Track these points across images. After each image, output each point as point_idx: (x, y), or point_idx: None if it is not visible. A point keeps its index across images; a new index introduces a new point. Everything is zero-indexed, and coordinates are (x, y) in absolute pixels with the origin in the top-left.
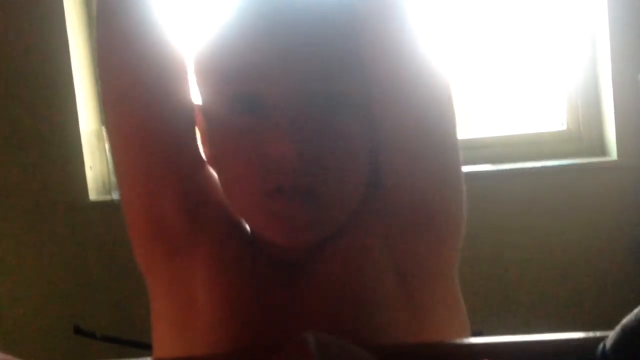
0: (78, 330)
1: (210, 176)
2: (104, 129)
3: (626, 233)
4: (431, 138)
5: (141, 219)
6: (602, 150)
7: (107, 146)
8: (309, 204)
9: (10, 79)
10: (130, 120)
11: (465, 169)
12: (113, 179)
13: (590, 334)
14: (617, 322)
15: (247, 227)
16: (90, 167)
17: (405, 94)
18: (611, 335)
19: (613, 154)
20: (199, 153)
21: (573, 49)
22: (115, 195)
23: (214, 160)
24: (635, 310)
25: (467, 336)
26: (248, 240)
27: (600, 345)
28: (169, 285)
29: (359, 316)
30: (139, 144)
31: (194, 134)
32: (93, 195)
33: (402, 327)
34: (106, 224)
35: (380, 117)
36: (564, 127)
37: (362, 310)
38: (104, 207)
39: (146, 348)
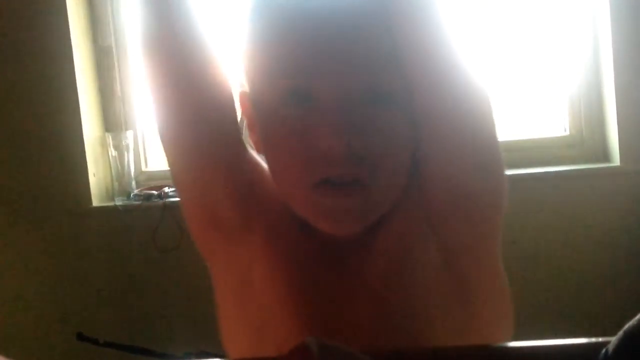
0: (81, 337)
1: (256, 163)
2: (107, 135)
3: (629, 239)
4: (468, 121)
5: (197, 210)
6: (605, 155)
7: (110, 152)
8: (355, 196)
9: (13, 86)
10: (177, 118)
11: None
12: (116, 185)
13: (593, 339)
14: (620, 327)
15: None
16: (94, 174)
17: (442, 85)
18: (613, 340)
19: (616, 159)
20: (242, 141)
21: (575, 54)
22: (118, 202)
23: (262, 148)
24: (638, 316)
25: (511, 325)
26: (298, 225)
27: (603, 351)
28: (226, 270)
29: (409, 303)
30: (187, 140)
31: (237, 123)
32: (96, 201)
33: (452, 314)
34: (109, 230)
35: (419, 108)
36: (567, 133)
37: (412, 298)
38: (107, 213)
39: (149, 354)
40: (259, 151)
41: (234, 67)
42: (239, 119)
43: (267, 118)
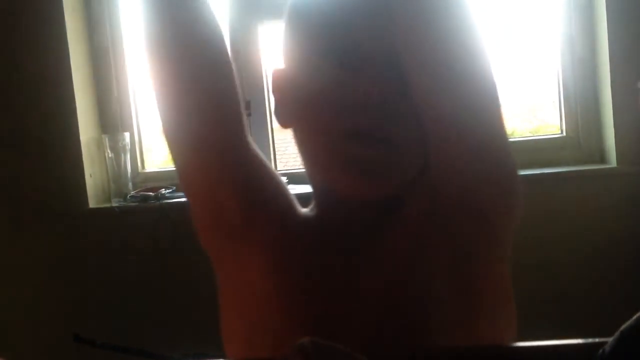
0: (78, 338)
1: (261, 162)
2: (104, 137)
3: (626, 240)
4: (478, 120)
5: (202, 210)
6: (602, 157)
7: (106, 154)
8: (382, 150)
9: (9, 87)
10: (183, 117)
11: None
12: (113, 186)
13: (589, 340)
14: (617, 328)
15: (301, 210)
16: (90, 175)
17: (451, 82)
18: (610, 341)
19: (612, 161)
20: (247, 138)
21: (572, 55)
22: (114, 203)
23: (295, 116)
24: (635, 317)
25: (514, 331)
26: (302, 224)
27: (600, 351)
28: (231, 267)
29: (416, 302)
30: (193, 138)
31: (242, 121)
32: (93, 202)
33: (456, 316)
34: (106, 231)
35: (428, 103)
36: (563, 135)
37: (419, 297)
38: (104, 215)
39: (146, 356)
40: (286, 125)
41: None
42: (271, 97)
43: (305, 79)
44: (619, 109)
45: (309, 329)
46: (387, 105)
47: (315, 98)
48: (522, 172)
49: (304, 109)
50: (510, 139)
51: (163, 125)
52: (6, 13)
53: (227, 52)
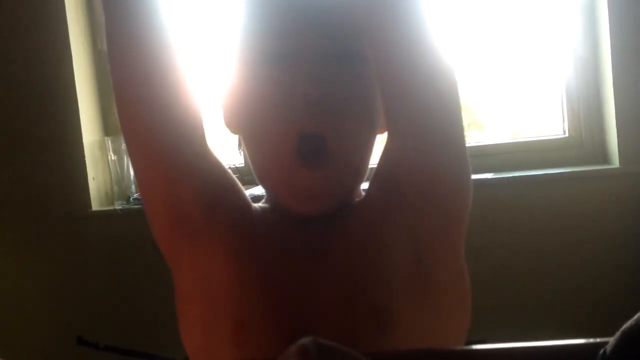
0: (81, 341)
1: (219, 164)
2: (106, 139)
3: (629, 240)
4: (436, 110)
5: (161, 207)
6: (605, 157)
7: (109, 157)
8: (326, 165)
9: (12, 90)
10: (143, 122)
11: None
12: (116, 189)
13: (591, 340)
14: (618, 328)
15: (257, 207)
16: (93, 178)
17: (409, 61)
18: (612, 341)
19: (615, 161)
20: (206, 141)
21: (575, 56)
22: (117, 206)
23: (238, 119)
24: (636, 316)
25: (468, 326)
26: (260, 219)
27: (601, 351)
28: (190, 266)
29: (373, 287)
30: (153, 139)
31: (202, 123)
32: (96, 205)
33: (415, 302)
34: (109, 234)
35: (386, 81)
36: (566, 135)
37: (379, 284)
38: (107, 218)
39: (148, 358)
40: (230, 125)
41: (202, 69)
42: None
43: (249, 83)
44: (621, 109)
45: (271, 315)
46: (329, 105)
47: (258, 103)
48: (525, 173)
49: (250, 111)
50: (514, 140)
51: (121, 125)
52: (9, 16)
53: (184, 58)
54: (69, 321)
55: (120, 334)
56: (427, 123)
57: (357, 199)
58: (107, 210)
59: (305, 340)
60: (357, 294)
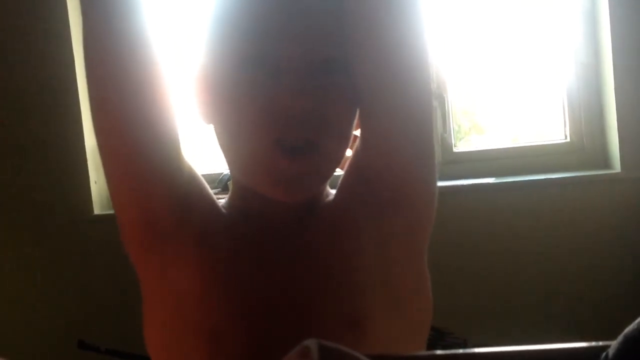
0: (82, 345)
1: (192, 169)
2: None
3: (630, 245)
4: (407, 111)
5: (131, 211)
6: (606, 162)
7: None
8: (307, 156)
9: (15, 94)
10: (117, 122)
11: (469, 182)
12: None
13: (593, 344)
14: (620, 332)
15: (229, 215)
16: (95, 182)
17: (384, 63)
18: (614, 344)
19: (616, 166)
20: (180, 147)
21: (576, 61)
22: None
23: (216, 120)
24: (638, 319)
25: (429, 329)
26: (232, 227)
27: (603, 355)
28: (160, 274)
29: (351, 296)
30: (126, 144)
31: (176, 130)
32: (97, 209)
33: (380, 297)
34: (110, 238)
35: (360, 85)
36: (567, 140)
37: (353, 290)
38: (109, 221)
39: None
40: (208, 123)
41: (178, 72)
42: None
43: (226, 83)
44: (622, 114)
45: (245, 325)
46: (311, 117)
47: (237, 107)
48: (527, 178)
49: (224, 122)
50: (515, 144)
51: (95, 129)
52: (11, 18)
53: (164, 60)
54: (70, 325)
55: (121, 337)
56: (401, 129)
57: (327, 199)
58: (109, 214)
59: (308, 341)
60: (332, 301)
